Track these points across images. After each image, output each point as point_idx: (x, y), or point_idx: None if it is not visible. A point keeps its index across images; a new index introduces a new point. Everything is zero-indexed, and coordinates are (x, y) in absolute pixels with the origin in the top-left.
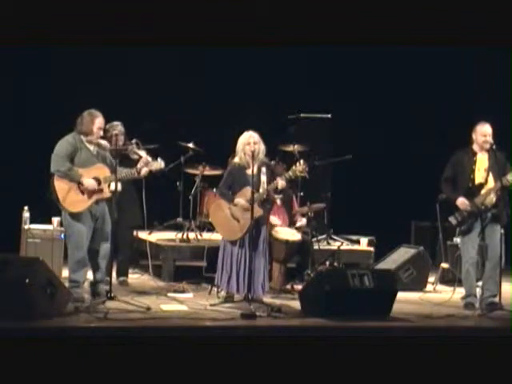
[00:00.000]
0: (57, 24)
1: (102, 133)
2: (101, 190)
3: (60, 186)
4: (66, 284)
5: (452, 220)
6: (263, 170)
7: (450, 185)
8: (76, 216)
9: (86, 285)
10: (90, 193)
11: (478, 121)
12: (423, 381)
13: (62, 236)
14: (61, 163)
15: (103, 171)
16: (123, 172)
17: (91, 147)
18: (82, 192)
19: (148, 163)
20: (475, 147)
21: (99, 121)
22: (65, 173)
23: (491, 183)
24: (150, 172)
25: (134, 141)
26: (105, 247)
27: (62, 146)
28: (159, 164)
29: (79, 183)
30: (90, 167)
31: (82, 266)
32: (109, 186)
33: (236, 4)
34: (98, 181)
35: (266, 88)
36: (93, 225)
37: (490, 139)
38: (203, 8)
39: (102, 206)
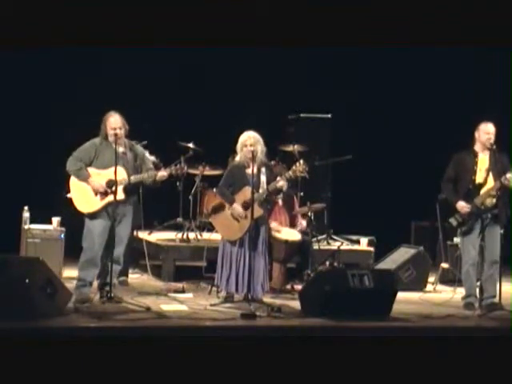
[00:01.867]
0: (56, 24)
1: (117, 132)
2: (114, 193)
3: (75, 184)
4: (67, 284)
5: (452, 221)
6: (263, 170)
7: (450, 186)
8: (92, 216)
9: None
10: (103, 194)
11: (478, 121)
12: (423, 381)
13: (62, 236)
14: (73, 163)
15: (120, 174)
16: (143, 175)
17: (120, 149)
18: (96, 193)
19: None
20: (477, 147)
21: (111, 121)
22: (74, 172)
23: (491, 183)
24: (171, 176)
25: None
26: (118, 250)
27: (83, 146)
28: (182, 169)
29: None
30: (108, 169)
31: (92, 265)
32: (124, 189)
33: (236, 4)
34: (113, 183)
35: (266, 88)
36: (109, 226)
37: (492, 138)
38: (203, 8)
39: (121, 208)
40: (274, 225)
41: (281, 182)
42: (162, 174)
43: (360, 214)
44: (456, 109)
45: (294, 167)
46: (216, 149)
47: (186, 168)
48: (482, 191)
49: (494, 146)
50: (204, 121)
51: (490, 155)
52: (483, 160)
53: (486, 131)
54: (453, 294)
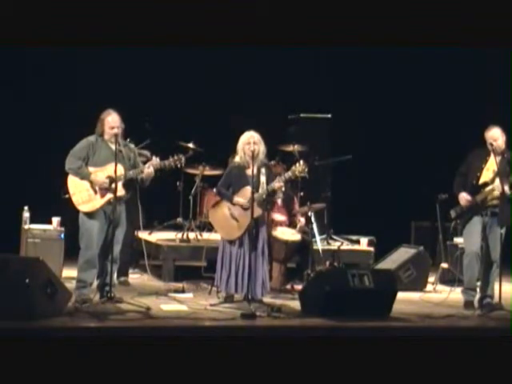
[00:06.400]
0: (57, 24)
1: (116, 131)
2: (114, 190)
3: (74, 184)
4: (67, 284)
5: (452, 213)
6: (262, 170)
7: (459, 179)
8: (89, 215)
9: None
10: (103, 192)
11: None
12: (423, 381)
13: (62, 236)
14: (72, 161)
15: (118, 170)
16: (131, 172)
17: (113, 146)
18: (95, 191)
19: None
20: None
21: (110, 119)
22: (75, 171)
23: (496, 183)
24: (170, 168)
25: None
26: (116, 250)
27: (80, 144)
28: (180, 159)
29: (90, 182)
30: (105, 166)
31: (92, 266)
32: (123, 185)
33: (236, 4)
34: (112, 179)
35: (266, 88)
36: (106, 226)
37: (499, 144)
38: (203, 8)
39: (117, 207)
40: (278, 216)
41: (278, 183)
42: (157, 162)
43: (360, 214)
44: (456, 109)
45: (293, 167)
46: (216, 149)
47: (183, 159)
48: (487, 189)
49: (500, 150)
50: (204, 121)
51: (502, 157)
52: (493, 161)
53: (490, 138)
54: (448, 294)
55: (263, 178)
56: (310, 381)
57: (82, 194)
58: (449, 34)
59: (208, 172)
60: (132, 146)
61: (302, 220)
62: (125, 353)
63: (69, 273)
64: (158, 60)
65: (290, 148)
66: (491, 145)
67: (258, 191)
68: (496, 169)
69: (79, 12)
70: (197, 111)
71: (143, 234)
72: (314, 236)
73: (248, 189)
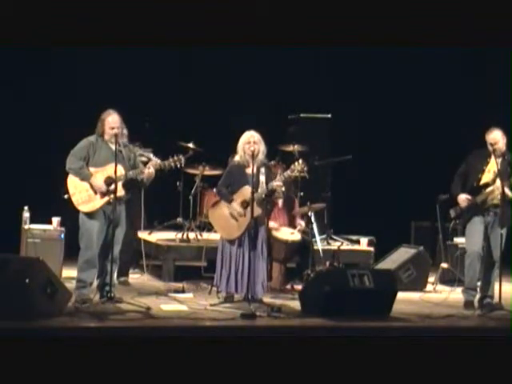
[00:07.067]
0: (57, 24)
1: (116, 131)
2: (114, 191)
3: (74, 184)
4: (67, 284)
5: (451, 212)
6: (262, 170)
7: (460, 180)
8: (89, 215)
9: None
10: (103, 192)
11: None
12: (423, 381)
13: (62, 236)
14: (73, 161)
15: (118, 170)
16: (131, 172)
17: (113, 146)
18: (95, 191)
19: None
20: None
21: (110, 120)
22: (76, 171)
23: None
24: (161, 170)
25: (137, 144)
26: (115, 250)
27: (80, 144)
28: (180, 160)
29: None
30: (105, 166)
31: (91, 266)
32: (123, 186)
33: (236, 4)
34: (112, 180)
35: (266, 88)
36: (106, 226)
37: (499, 146)
38: (203, 8)
39: (117, 207)
40: (272, 224)
41: (276, 182)
42: (156, 162)
43: (360, 214)
44: (456, 109)
45: (292, 166)
46: (216, 149)
47: (183, 159)
48: (487, 190)
49: (500, 152)
50: (204, 121)
51: (503, 159)
52: (494, 162)
53: (490, 141)
54: (448, 294)
55: (263, 178)
56: (310, 381)
57: (82, 194)
58: (449, 33)
59: (208, 172)
60: (136, 148)
61: (302, 223)
62: (125, 353)
63: (69, 273)
64: (157, 60)
65: (290, 148)
66: (491, 145)
67: (257, 191)
68: (496, 170)
69: (79, 12)
70: (197, 111)
71: (143, 234)
72: (314, 236)
73: (247, 188)
